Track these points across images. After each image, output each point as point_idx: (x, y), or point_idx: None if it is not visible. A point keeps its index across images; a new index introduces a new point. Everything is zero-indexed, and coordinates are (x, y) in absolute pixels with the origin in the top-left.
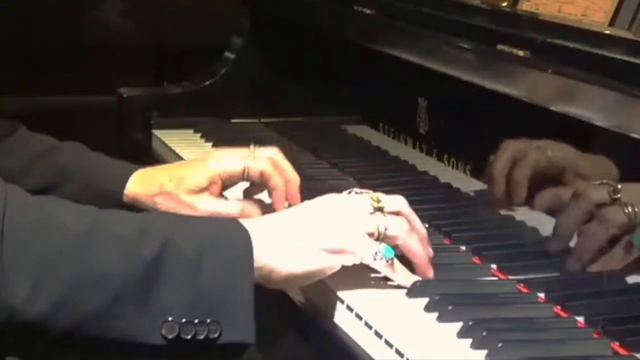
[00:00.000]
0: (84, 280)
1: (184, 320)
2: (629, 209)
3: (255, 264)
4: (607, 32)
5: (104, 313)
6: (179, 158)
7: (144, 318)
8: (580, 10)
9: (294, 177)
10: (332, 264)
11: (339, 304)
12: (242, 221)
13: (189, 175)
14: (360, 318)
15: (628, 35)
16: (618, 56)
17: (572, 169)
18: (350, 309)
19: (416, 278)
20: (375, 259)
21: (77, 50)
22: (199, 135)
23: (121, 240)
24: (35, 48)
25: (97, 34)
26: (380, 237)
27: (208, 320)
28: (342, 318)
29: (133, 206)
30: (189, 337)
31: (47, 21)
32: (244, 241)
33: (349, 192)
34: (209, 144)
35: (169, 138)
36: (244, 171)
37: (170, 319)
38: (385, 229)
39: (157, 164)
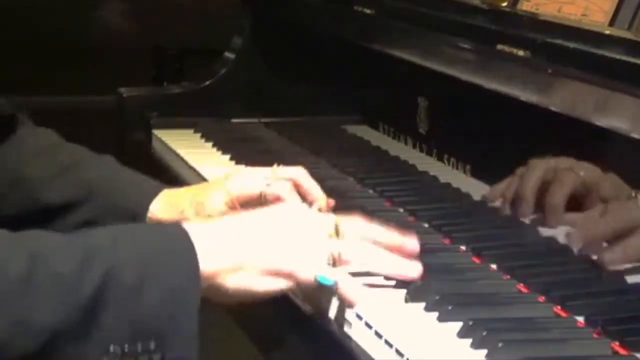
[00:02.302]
0: (21, 328)
1: (126, 348)
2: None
3: (201, 280)
4: (607, 32)
5: (45, 352)
6: (179, 158)
7: (86, 349)
8: (580, 10)
9: (320, 197)
10: (274, 288)
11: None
12: (191, 230)
13: (208, 200)
14: (360, 318)
15: (628, 35)
16: (618, 56)
17: (597, 188)
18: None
19: (366, 292)
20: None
21: (77, 50)
22: (199, 135)
23: (61, 281)
24: (35, 48)
25: (97, 34)
26: (335, 263)
27: (151, 346)
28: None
29: None
30: None
31: (47, 21)
32: (189, 261)
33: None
34: (209, 144)
35: (169, 138)
36: (260, 196)
37: (111, 349)
38: (339, 254)
39: (157, 164)
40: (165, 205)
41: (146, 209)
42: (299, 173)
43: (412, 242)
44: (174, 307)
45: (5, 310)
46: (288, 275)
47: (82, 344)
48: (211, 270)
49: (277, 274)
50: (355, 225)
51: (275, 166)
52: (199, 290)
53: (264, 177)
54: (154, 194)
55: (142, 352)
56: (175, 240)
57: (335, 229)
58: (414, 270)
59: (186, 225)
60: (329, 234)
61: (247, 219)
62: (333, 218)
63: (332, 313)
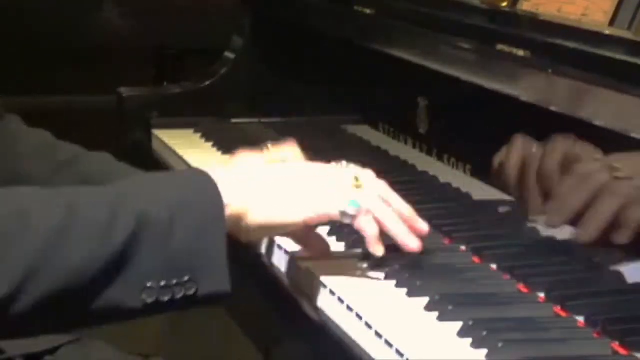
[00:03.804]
0: (65, 275)
1: (162, 283)
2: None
3: (226, 213)
4: (607, 32)
5: (85, 295)
6: (179, 158)
7: (124, 289)
8: (580, 10)
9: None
10: (297, 219)
11: (338, 303)
12: (214, 171)
13: None
14: (360, 317)
15: (628, 35)
16: (618, 56)
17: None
18: (350, 308)
19: (380, 249)
20: (343, 215)
21: (77, 50)
22: (199, 135)
23: (96, 227)
24: (36, 48)
25: (97, 34)
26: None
27: (185, 279)
28: (341, 317)
29: None
30: (167, 298)
31: (47, 21)
32: (214, 197)
33: (337, 163)
34: (209, 144)
35: (169, 138)
36: None
37: (149, 284)
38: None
39: (157, 164)
40: None
41: None
42: (292, 148)
43: (423, 222)
44: (203, 241)
45: (48, 261)
46: (311, 205)
47: (121, 283)
48: (234, 203)
49: (301, 203)
50: (377, 183)
51: (266, 149)
52: (224, 223)
53: (259, 159)
54: None
55: (177, 285)
56: (199, 179)
57: (356, 180)
58: (415, 242)
59: (206, 168)
60: (349, 183)
61: (270, 164)
62: (354, 170)
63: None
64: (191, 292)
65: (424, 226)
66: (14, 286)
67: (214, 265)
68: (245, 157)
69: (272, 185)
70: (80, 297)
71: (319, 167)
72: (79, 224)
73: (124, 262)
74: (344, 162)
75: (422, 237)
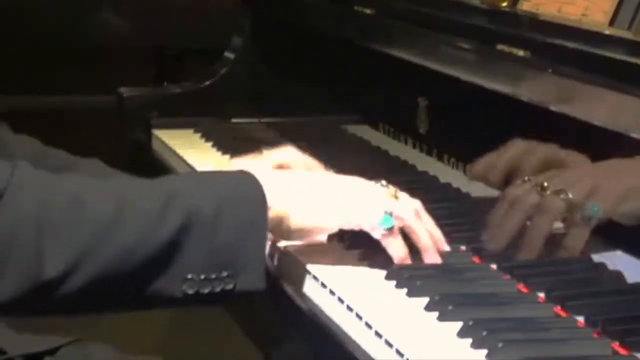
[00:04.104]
0: (115, 260)
1: (202, 276)
2: (563, 195)
3: (269, 214)
4: (607, 32)
5: (131, 280)
6: (179, 158)
7: (167, 278)
8: (580, 10)
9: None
10: (334, 224)
11: (339, 303)
12: (259, 172)
13: None
14: (360, 318)
15: (628, 35)
16: (618, 56)
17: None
18: (350, 308)
19: (404, 256)
20: (374, 228)
21: (77, 50)
22: (199, 135)
23: (148, 217)
24: (36, 48)
25: (97, 34)
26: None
27: (224, 274)
28: (342, 317)
29: None
30: (206, 291)
31: (47, 21)
32: (258, 196)
33: (377, 182)
34: (209, 144)
35: (169, 138)
36: None
37: (190, 276)
38: (393, 210)
39: (157, 164)
40: None
41: None
42: (289, 153)
43: (446, 245)
44: (244, 239)
45: (101, 245)
46: (348, 212)
47: (165, 272)
48: (276, 207)
49: (339, 210)
50: (412, 200)
51: (264, 152)
52: (266, 224)
53: (257, 163)
54: None
55: (216, 279)
56: (244, 179)
57: (393, 194)
58: (437, 258)
59: (252, 170)
60: (387, 194)
61: (311, 171)
62: (391, 187)
63: (332, 312)
64: (229, 287)
65: (446, 247)
66: (68, 266)
67: (253, 264)
68: (246, 161)
69: (312, 191)
70: (127, 282)
71: (358, 179)
72: (132, 211)
73: (170, 252)
74: (383, 182)
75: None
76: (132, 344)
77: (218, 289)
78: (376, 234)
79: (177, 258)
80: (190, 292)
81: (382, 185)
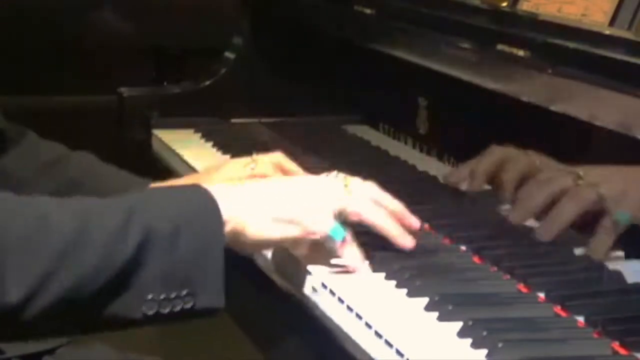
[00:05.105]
0: (78, 280)
1: (162, 296)
2: (595, 188)
3: (225, 229)
4: (607, 32)
5: (92, 303)
6: (179, 158)
7: (127, 299)
8: (580, 10)
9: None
10: (287, 235)
11: (339, 303)
12: (214, 188)
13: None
14: (360, 318)
15: (628, 35)
16: (618, 56)
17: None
18: (350, 308)
19: (363, 263)
20: (327, 240)
21: (77, 50)
22: (199, 135)
23: (110, 235)
24: (35, 48)
25: (97, 34)
26: (342, 215)
27: (183, 293)
28: (342, 318)
29: None
30: (166, 311)
31: (47, 21)
32: (214, 212)
33: (327, 175)
34: (209, 144)
35: (169, 138)
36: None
37: (150, 297)
38: (346, 207)
39: (157, 164)
40: None
41: None
42: (278, 157)
43: (414, 218)
44: (202, 257)
45: (65, 264)
46: (299, 223)
47: (124, 294)
48: (232, 220)
49: (291, 221)
50: (365, 187)
51: (254, 155)
52: (223, 240)
53: (245, 165)
54: (137, 188)
55: (176, 298)
56: (199, 195)
57: (345, 186)
58: (408, 240)
59: (206, 185)
60: (339, 190)
61: (264, 180)
62: (342, 176)
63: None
64: (189, 305)
65: (415, 222)
66: (31, 290)
67: (211, 281)
68: (233, 167)
69: (267, 203)
70: (87, 304)
71: (309, 181)
72: (94, 231)
73: (131, 272)
74: (334, 172)
75: (414, 232)
76: (130, 344)
77: (178, 308)
78: (331, 245)
79: (137, 278)
80: (150, 313)
81: (334, 177)
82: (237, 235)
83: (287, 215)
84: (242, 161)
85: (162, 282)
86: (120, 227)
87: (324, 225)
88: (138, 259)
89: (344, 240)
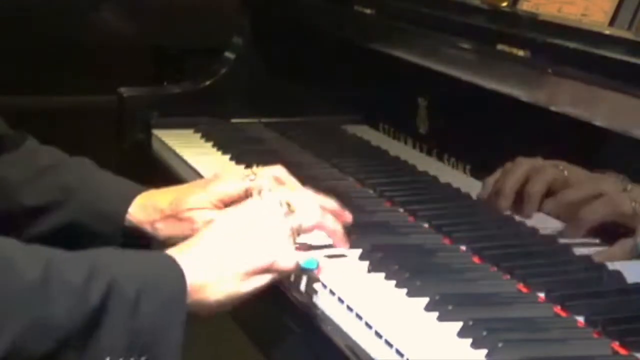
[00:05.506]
0: (35, 330)
1: None
2: (635, 204)
3: (188, 300)
4: (607, 32)
5: (50, 357)
6: (179, 158)
7: (84, 359)
8: (580, 10)
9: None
10: (258, 285)
11: (339, 304)
12: (176, 255)
13: (191, 199)
14: (360, 318)
15: (628, 35)
16: (618, 56)
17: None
18: (350, 308)
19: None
20: (302, 273)
21: (77, 50)
22: (199, 135)
23: (71, 289)
24: (35, 48)
25: (97, 34)
26: (299, 234)
27: (142, 359)
28: (342, 318)
29: (134, 229)
30: None
31: (47, 21)
32: (178, 279)
33: (259, 193)
34: (209, 144)
35: (169, 138)
36: (246, 192)
37: (108, 359)
38: (300, 226)
39: (157, 164)
40: (143, 207)
41: (124, 211)
42: (278, 170)
43: (347, 212)
44: (164, 321)
45: (22, 312)
46: (268, 269)
47: (82, 354)
48: (197, 286)
49: (257, 271)
50: (301, 195)
51: (254, 167)
52: (185, 305)
53: (244, 176)
54: (133, 195)
55: None
56: (165, 262)
57: (288, 205)
58: (345, 242)
59: (169, 251)
60: (284, 212)
61: (213, 234)
62: (280, 196)
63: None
64: None
65: (348, 216)
66: None
67: (171, 351)
68: (225, 183)
69: (230, 260)
70: (44, 358)
71: (257, 218)
72: (56, 281)
73: (90, 330)
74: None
75: (347, 224)
76: None
77: None
78: (307, 274)
79: (97, 337)
80: None
81: (268, 198)
82: (203, 301)
83: (255, 265)
84: (241, 172)
85: (121, 345)
86: (84, 281)
87: (292, 259)
88: (99, 318)
89: (318, 267)
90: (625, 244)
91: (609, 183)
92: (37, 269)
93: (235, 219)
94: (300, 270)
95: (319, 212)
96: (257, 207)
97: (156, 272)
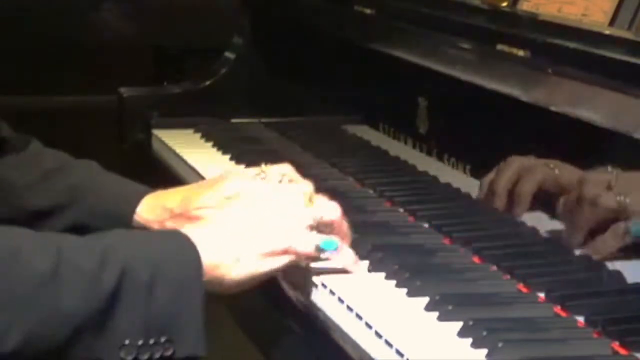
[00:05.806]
0: (50, 319)
1: (140, 342)
2: (621, 197)
3: (205, 277)
4: (607, 32)
5: (67, 344)
6: (179, 158)
7: (104, 344)
8: (580, 10)
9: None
10: (277, 266)
11: (338, 303)
12: (190, 233)
13: (200, 197)
14: (360, 318)
15: (628, 35)
16: (618, 56)
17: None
18: (350, 308)
19: (362, 263)
20: (320, 255)
21: (77, 50)
22: (199, 135)
23: (84, 275)
24: (35, 48)
25: (97, 34)
26: (319, 226)
27: (162, 340)
28: (342, 318)
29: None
30: (145, 357)
31: (47, 21)
32: (193, 259)
33: (260, 174)
34: (209, 144)
35: (169, 138)
36: None
37: (127, 342)
38: (322, 217)
39: (157, 164)
40: (151, 207)
41: (132, 211)
42: (287, 168)
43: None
44: (181, 304)
45: (34, 303)
46: (285, 251)
47: (100, 337)
48: (213, 265)
49: (275, 252)
50: (327, 201)
51: (262, 165)
52: (202, 287)
53: (254, 175)
54: (140, 196)
55: (155, 345)
56: (179, 242)
57: (309, 196)
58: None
59: (184, 230)
60: (305, 202)
61: (232, 215)
62: (302, 187)
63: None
64: (169, 352)
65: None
66: (2, 327)
67: (191, 329)
68: (234, 179)
69: (248, 240)
70: (62, 346)
71: (278, 204)
72: (68, 269)
73: (105, 315)
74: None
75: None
76: None
77: (157, 355)
78: (324, 257)
79: (113, 322)
80: (129, 358)
81: (286, 189)
82: (220, 280)
83: (273, 246)
84: (251, 171)
85: (139, 328)
86: (96, 267)
87: (311, 243)
88: (114, 303)
89: (338, 249)
90: (617, 229)
91: (592, 184)
92: (48, 257)
93: (256, 199)
94: (319, 251)
95: (339, 209)
96: (279, 191)
97: (170, 251)
